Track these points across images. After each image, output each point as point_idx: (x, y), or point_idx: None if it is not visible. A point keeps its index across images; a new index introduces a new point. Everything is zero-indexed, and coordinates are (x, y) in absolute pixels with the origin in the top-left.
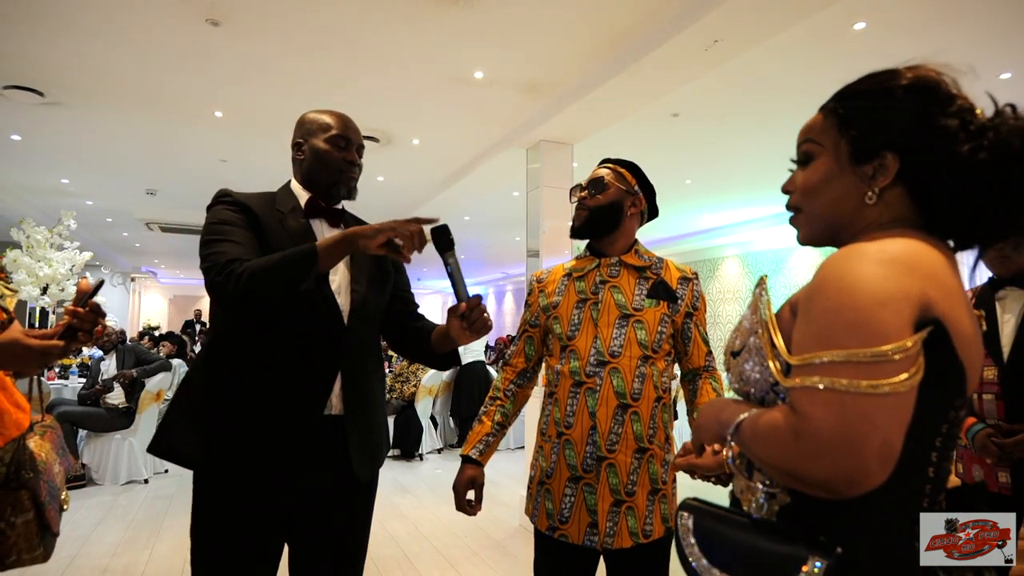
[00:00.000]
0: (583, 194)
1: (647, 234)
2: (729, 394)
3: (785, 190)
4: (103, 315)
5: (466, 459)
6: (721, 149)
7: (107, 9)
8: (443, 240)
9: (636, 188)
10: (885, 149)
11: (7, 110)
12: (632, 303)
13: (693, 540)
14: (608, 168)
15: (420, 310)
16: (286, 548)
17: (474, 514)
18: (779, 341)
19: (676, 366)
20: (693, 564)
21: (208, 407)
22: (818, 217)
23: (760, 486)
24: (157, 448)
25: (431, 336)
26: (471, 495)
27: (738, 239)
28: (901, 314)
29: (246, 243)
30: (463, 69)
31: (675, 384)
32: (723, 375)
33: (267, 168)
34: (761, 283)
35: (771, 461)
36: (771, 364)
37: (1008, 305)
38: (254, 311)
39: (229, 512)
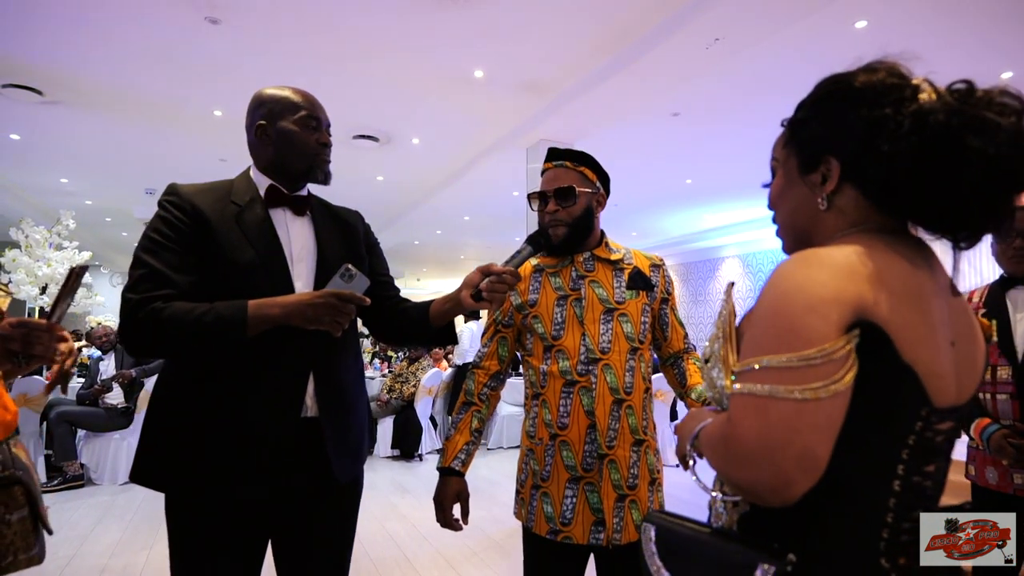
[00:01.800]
0: (555, 208)
1: (648, 238)
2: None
3: (769, 206)
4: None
5: (448, 471)
6: (722, 148)
7: (107, 8)
8: (537, 242)
9: (598, 184)
10: (826, 155)
11: (6, 109)
12: (614, 297)
13: (655, 550)
14: (568, 169)
15: None
16: (270, 550)
17: (460, 529)
18: (732, 348)
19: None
20: (653, 574)
21: (179, 425)
22: (784, 228)
23: (719, 495)
24: (137, 475)
25: (428, 311)
26: (457, 509)
27: (738, 239)
28: (829, 319)
29: (180, 265)
30: (463, 68)
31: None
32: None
33: None
34: (728, 290)
35: (714, 467)
36: (724, 371)
37: (1021, 304)
38: (164, 355)
39: (206, 526)
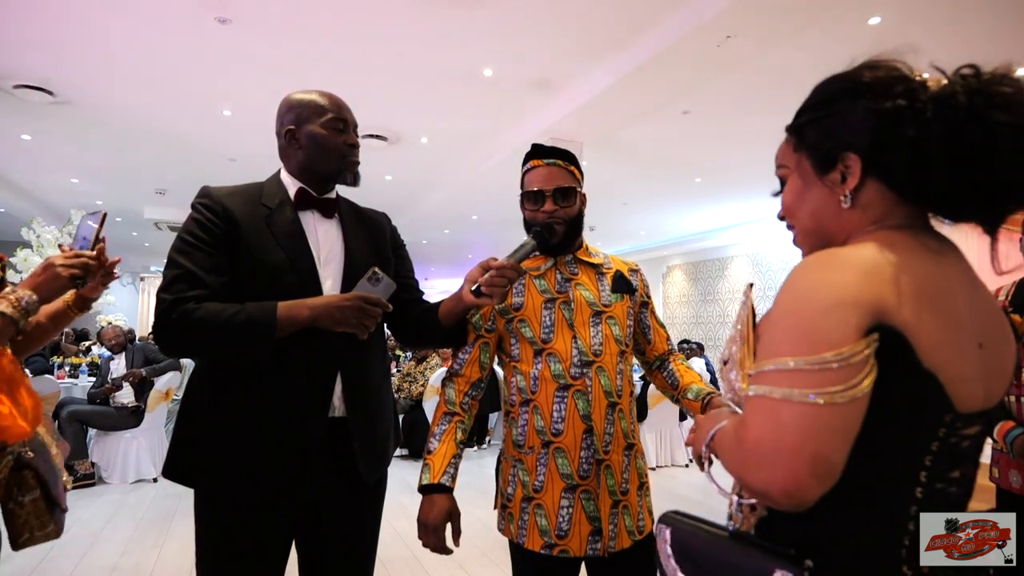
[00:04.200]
0: (553, 207)
1: (656, 237)
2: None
3: (779, 216)
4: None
5: (434, 488)
6: (732, 147)
7: (117, 9)
8: (541, 236)
9: (582, 182)
10: (844, 151)
11: (17, 110)
12: (601, 299)
13: (670, 552)
14: (562, 168)
15: None
16: (294, 549)
17: (451, 553)
18: (749, 351)
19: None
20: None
21: (210, 423)
22: (805, 232)
23: (735, 498)
24: (171, 472)
25: (438, 312)
26: (448, 531)
27: (748, 238)
28: (847, 322)
29: (212, 266)
30: (472, 66)
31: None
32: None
33: (276, 167)
34: (747, 291)
35: (728, 470)
36: (740, 373)
37: None
38: (196, 355)
39: (235, 523)
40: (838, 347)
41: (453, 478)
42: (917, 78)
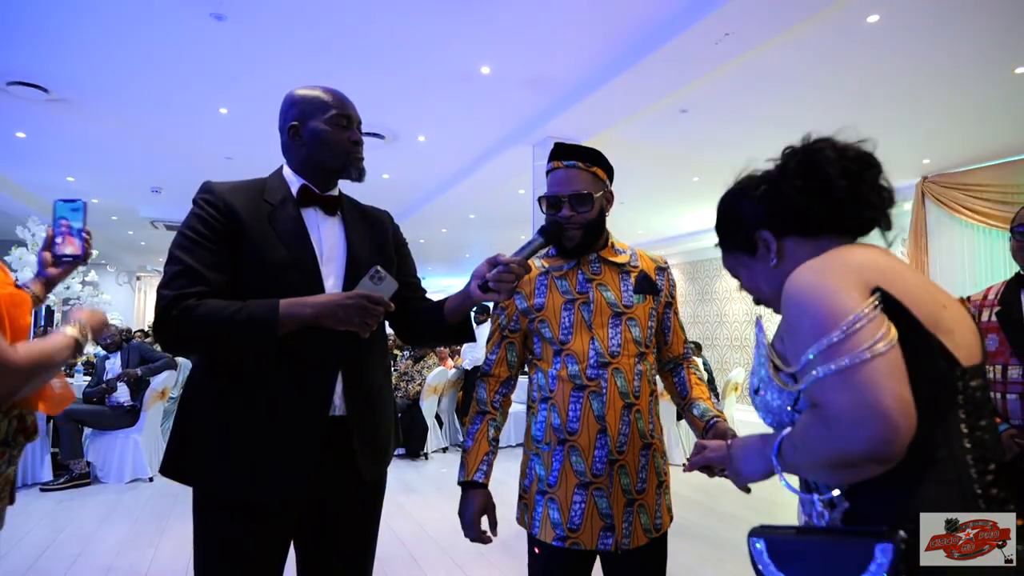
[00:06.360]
0: (570, 213)
1: (654, 236)
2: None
3: (755, 301)
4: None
5: (471, 484)
6: (730, 145)
7: (111, 4)
8: (549, 234)
9: (608, 183)
10: (755, 232)
11: (12, 107)
12: (622, 300)
13: (769, 560)
14: (581, 170)
15: None
16: (292, 548)
17: (490, 542)
18: (778, 362)
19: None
20: None
21: (210, 421)
22: (768, 298)
23: (816, 497)
24: (169, 470)
25: (443, 308)
26: (484, 522)
27: None
28: (852, 295)
29: (214, 263)
30: (470, 64)
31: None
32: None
33: (273, 165)
34: (757, 323)
35: (815, 460)
36: (778, 382)
37: None
38: (196, 352)
39: (234, 522)
40: (855, 311)
41: (486, 474)
42: (764, 174)
